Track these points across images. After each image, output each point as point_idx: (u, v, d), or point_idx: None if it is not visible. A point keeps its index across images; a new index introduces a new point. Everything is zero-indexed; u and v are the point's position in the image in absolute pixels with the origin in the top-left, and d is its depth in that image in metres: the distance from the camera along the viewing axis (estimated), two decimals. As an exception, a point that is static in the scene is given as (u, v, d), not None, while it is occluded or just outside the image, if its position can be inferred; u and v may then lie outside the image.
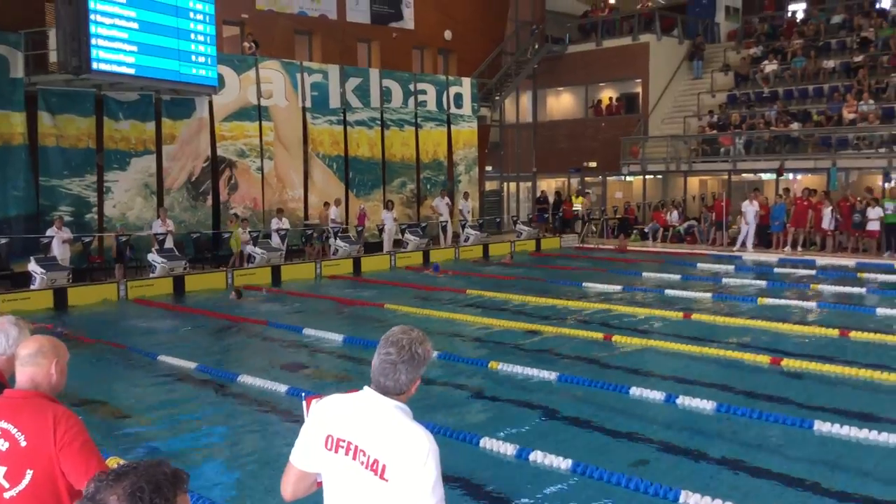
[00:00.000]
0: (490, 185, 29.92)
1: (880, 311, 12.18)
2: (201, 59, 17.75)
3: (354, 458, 2.43)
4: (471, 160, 25.45)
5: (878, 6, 28.94)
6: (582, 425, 7.19)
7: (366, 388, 2.53)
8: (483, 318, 12.53)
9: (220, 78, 18.77)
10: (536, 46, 29.61)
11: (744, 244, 21.22)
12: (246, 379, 8.79)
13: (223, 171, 19.60)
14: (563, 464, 5.98)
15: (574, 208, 27.25)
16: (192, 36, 17.51)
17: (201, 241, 18.59)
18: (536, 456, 6.14)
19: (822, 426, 6.71)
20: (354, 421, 2.48)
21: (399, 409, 2.47)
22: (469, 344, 11.08)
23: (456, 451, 6.38)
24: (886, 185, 21.54)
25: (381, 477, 2.36)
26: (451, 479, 5.78)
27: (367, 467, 2.39)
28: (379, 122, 22.79)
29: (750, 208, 21.10)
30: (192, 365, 9.55)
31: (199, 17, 17.67)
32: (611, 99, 30.60)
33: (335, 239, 19.87)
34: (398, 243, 21.53)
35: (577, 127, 30.56)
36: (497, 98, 28.24)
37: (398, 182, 23.40)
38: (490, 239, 23.42)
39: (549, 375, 8.69)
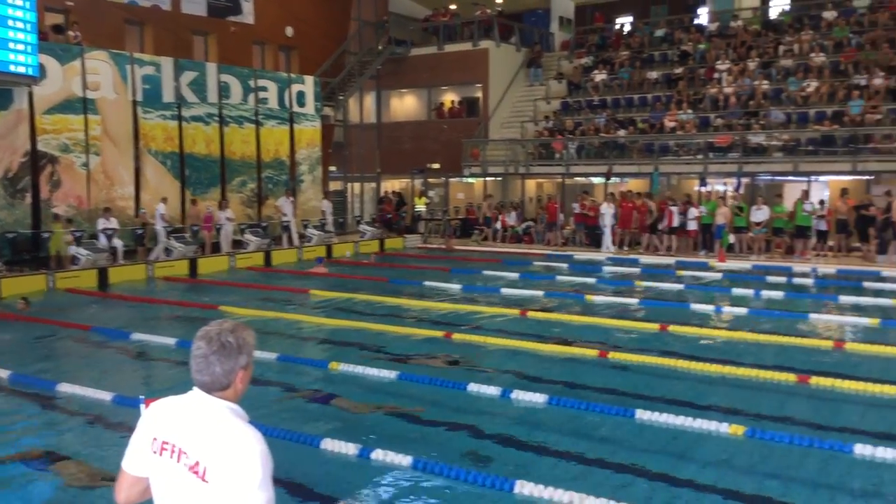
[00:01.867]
0: (334, 186, 29.70)
1: (695, 306, 13.15)
2: (20, 48, 16.44)
3: (179, 461, 2.37)
4: (314, 160, 25.15)
5: (696, 22, 31.27)
6: (422, 422, 7.29)
7: (194, 388, 2.46)
8: (325, 319, 12.43)
9: (42, 68, 17.47)
10: (380, 47, 29.71)
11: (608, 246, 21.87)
12: (66, 388, 8.26)
13: (44, 167, 18.26)
14: (404, 460, 6.04)
15: (417, 209, 27.61)
16: (10, 23, 16.18)
17: (19, 241, 17.26)
18: (377, 454, 6.17)
19: (643, 414, 7.17)
20: (179, 422, 2.42)
21: (229, 410, 2.42)
22: (310, 345, 10.96)
23: (296, 454, 6.30)
24: (702, 188, 23.29)
25: (203, 479, 2.32)
26: (291, 481, 5.72)
27: (189, 469, 2.35)
28: (217, 119, 22.04)
29: (608, 210, 21.92)
30: (3, 374, 8.85)
31: (18, 2, 16.36)
32: (453, 102, 31.22)
33: (166, 238, 19.06)
34: (239, 244, 20.93)
35: (420, 129, 30.96)
36: (341, 97, 28.10)
37: (238, 181, 22.73)
38: (333, 239, 23.24)
39: (390, 374, 8.74)
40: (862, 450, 6.23)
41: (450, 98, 31.48)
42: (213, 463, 2.31)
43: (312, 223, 23.07)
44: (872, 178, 21.61)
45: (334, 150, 29.40)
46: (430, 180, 30.50)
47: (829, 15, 27.01)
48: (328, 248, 21.98)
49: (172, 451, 2.39)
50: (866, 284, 15.52)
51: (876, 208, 19.36)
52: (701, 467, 6.12)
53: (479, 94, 30.30)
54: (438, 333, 11.01)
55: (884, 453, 6.16)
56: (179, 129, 21.08)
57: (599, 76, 28.91)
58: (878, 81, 22.99)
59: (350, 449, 6.33)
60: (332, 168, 29.76)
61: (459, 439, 6.85)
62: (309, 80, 24.93)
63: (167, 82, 20.72)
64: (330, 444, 6.43)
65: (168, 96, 20.78)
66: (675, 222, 21.13)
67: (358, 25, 29.02)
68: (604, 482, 5.80)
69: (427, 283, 16.02)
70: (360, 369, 8.96)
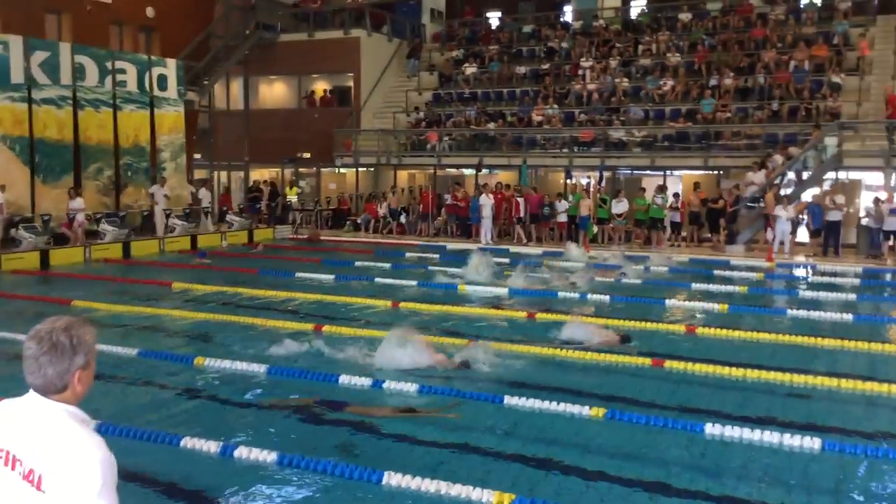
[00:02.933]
0: (199, 174, 28.67)
1: (561, 294, 13.58)
2: None
3: (13, 469, 2.21)
4: (177, 147, 24.14)
5: (562, 19, 32.20)
6: (290, 416, 7.16)
7: (30, 391, 2.29)
8: (190, 313, 11.99)
9: None
10: (248, 32, 28.88)
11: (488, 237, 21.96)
12: None
13: None
14: (269, 457, 5.91)
15: (288, 199, 27.12)
16: None
17: None
18: (241, 452, 6.00)
19: (511, 400, 7.34)
20: (13, 428, 2.25)
21: (66, 414, 2.25)
22: (174, 340, 10.54)
23: (155, 454, 6.05)
24: (568, 181, 24.08)
25: (38, 488, 2.16)
26: (151, 481, 5.51)
27: (23, 478, 2.19)
28: (70, 102, 20.75)
29: (487, 202, 21.99)
30: None
31: None
32: (324, 90, 30.80)
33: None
34: (95, 234, 19.84)
35: (291, 117, 30.34)
36: (205, 82, 27.12)
37: (94, 168, 21.48)
38: (198, 230, 22.45)
39: (260, 369, 8.54)
40: (712, 429, 6.62)
41: (321, 86, 31.04)
42: (49, 471, 2.16)
43: (176, 213, 22.19)
44: (722, 172, 23.00)
45: (199, 136, 28.37)
46: (301, 170, 29.98)
47: (685, 17, 28.48)
48: (193, 239, 21.20)
49: (7, 459, 2.22)
50: (716, 272, 16.51)
51: (724, 201, 20.61)
52: (565, 449, 6.32)
53: (351, 84, 30.04)
54: (309, 326, 10.85)
55: (732, 432, 6.57)
56: (29, 112, 19.70)
57: (470, 69, 29.29)
58: (728, 81, 24.47)
59: (211, 447, 6.12)
60: (197, 155, 28.72)
61: (327, 431, 6.78)
62: (171, 63, 23.89)
63: (16, 62, 19.30)
64: (190, 443, 6.20)
65: (17, 77, 19.37)
66: (521, 212, 21.75)
67: (224, 8, 28.09)
68: (471, 469, 5.88)
69: (299, 274, 15.76)
70: (227, 364, 8.71)
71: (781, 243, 19.01)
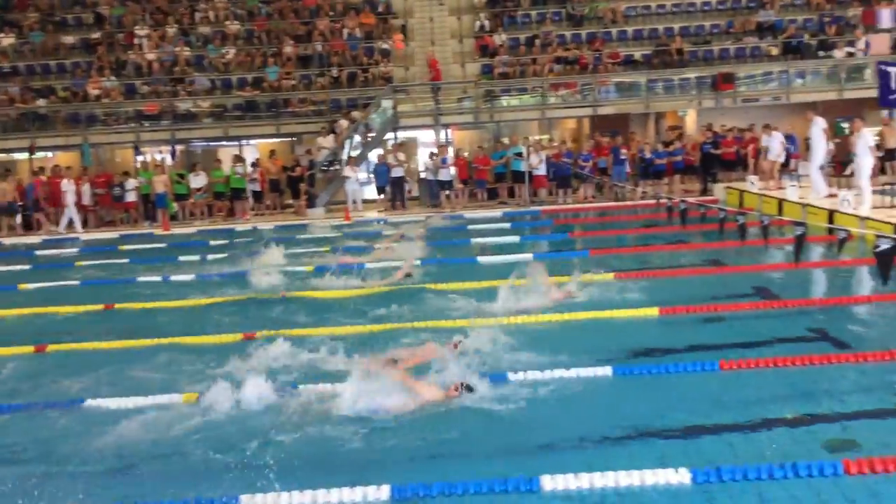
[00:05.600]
0: None
1: (141, 279, 12.77)
2: None
3: None
4: None
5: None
6: None
7: None
8: None
9: None
10: None
11: (71, 224, 19.85)
12: None
13: None
14: None
15: None
16: None
17: None
18: None
19: (92, 402, 6.71)
20: None
21: None
22: None
23: None
24: (138, 158, 22.68)
25: None
26: None
27: None
28: None
29: (70, 187, 19.83)
30: None
31: None
32: None
33: None
34: None
35: None
36: None
37: None
38: None
39: None
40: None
41: None
42: None
43: None
44: (296, 139, 23.64)
45: None
46: None
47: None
48: None
49: None
50: (299, 236, 16.96)
51: (301, 167, 21.22)
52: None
53: None
54: None
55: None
56: None
57: (7, 40, 25.80)
58: (288, 49, 25.02)
59: None
60: None
61: None
62: None
63: None
64: None
65: None
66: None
67: None
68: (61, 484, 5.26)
69: None
70: None
71: (354, 202, 20.22)
